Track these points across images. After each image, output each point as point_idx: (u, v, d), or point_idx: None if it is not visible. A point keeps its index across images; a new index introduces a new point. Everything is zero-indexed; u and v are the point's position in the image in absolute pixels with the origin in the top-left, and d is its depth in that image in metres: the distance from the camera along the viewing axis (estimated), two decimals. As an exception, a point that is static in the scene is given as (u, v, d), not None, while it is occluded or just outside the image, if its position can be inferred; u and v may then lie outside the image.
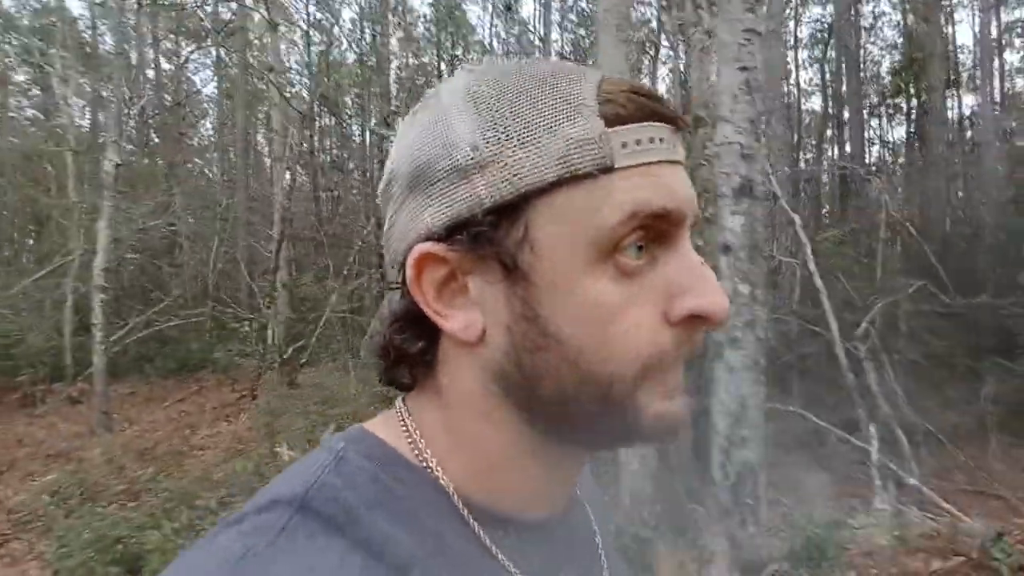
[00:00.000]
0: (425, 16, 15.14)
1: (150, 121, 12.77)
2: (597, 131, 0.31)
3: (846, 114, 11.07)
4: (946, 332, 5.61)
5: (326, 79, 12.00)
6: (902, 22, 13.06)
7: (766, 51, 7.72)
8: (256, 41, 12.48)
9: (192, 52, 14.58)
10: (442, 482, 0.34)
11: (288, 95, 11.62)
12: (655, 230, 0.32)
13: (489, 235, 0.31)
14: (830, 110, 13.48)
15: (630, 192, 0.31)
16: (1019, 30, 12.82)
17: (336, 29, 10.08)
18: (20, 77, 12.75)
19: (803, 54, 14.98)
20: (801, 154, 15.13)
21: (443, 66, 15.72)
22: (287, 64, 14.56)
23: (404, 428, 0.36)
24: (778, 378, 5.13)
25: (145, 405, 7.50)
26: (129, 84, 10.05)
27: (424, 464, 0.35)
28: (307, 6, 12.15)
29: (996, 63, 12.52)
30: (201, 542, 0.30)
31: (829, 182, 12.01)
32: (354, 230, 9.66)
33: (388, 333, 0.36)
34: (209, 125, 16.23)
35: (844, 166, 9.18)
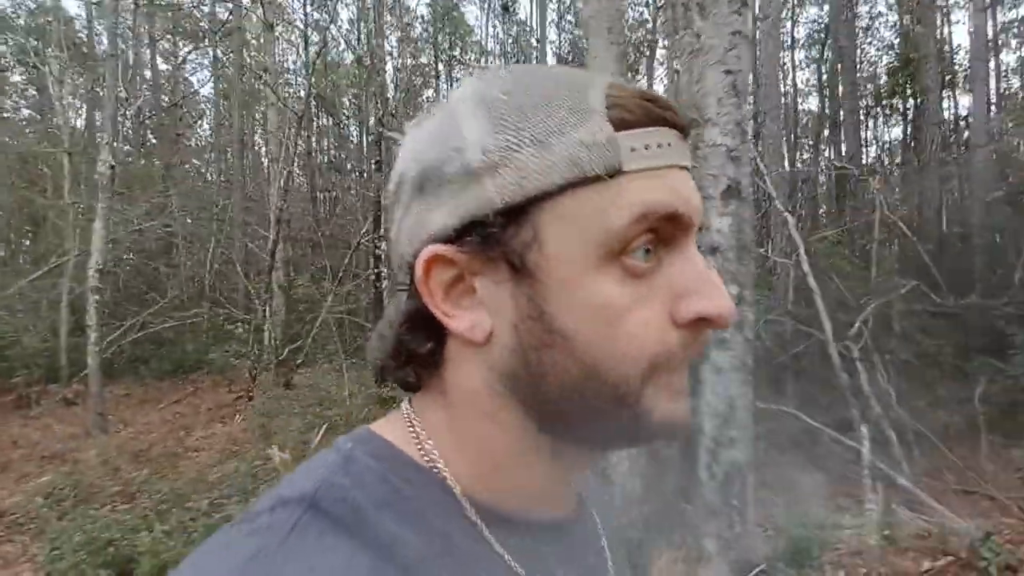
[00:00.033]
0: (423, 17, 15.16)
1: (147, 122, 12.76)
2: (606, 135, 0.31)
3: (842, 114, 11.11)
4: (939, 332, 5.63)
5: (323, 79, 12.00)
6: (898, 23, 13.12)
7: (765, 51, 7.72)
8: (254, 41, 12.48)
9: (189, 52, 14.58)
10: (448, 482, 0.35)
11: (286, 95, 11.63)
12: (663, 233, 0.32)
13: (498, 236, 0.32)
14: (827, 110, 13.52)
15: (639, 195, 0.31)
16: (1015, 30, 12.87)
17: (333, 29, 10.09)
18: (16, 77, 12.74)
19: (800, 54, 15.05)
20: (798, 154, 15.18)
21: (441, 66, 15.73)
22: (285, 65, 14.59)
23: (411, 429, 0.37)
24: (773, 378, 5.16)
25: (140, 406, 7.49)
26: (125, 84, 10.03)
27: (431, 464, 0.35)
28: (305, 6, 12.16)
29: (992, 63, 12.58)
30: (213, 541, 0.31)
31: (826, 182, 12.04)
32: (351, 231, 9.65)
33: (397, 334, 0.36)
34: (206, 126, 16.23)
35: (840, 166, 9.21)
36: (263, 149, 14.25)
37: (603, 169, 0.31)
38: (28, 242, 12.45)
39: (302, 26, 12.38)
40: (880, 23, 13.61)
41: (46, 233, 10.48)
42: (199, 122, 15.73)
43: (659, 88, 13.04)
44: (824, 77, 13.79)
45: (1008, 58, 13.73)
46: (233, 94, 12.10)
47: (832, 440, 3.85)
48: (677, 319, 0.32)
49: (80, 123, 13.05)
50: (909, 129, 13.11)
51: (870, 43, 13.73)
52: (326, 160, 14.98)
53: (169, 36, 14.27)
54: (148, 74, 14.46)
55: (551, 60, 13.93)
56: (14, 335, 7.85)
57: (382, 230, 6.54)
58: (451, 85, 16.31)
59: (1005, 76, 13.26)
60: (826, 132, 13.68)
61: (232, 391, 7.48)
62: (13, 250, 12.33)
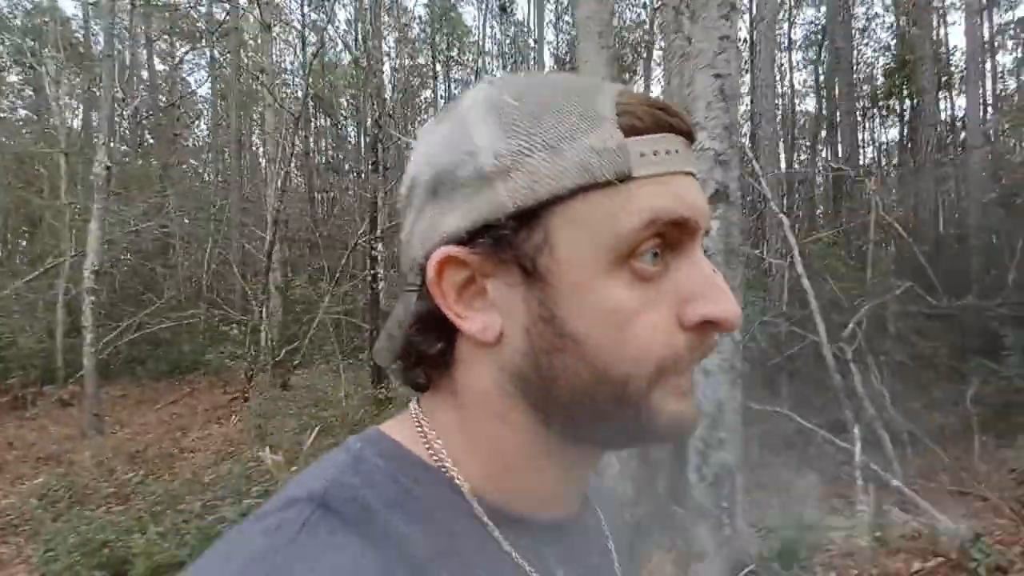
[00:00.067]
0: (420, 17, 15.15)
1: (144, 122, 12.74)
2: (616, 141, 0.32)
3: (839, 116, 11.14)
4: (934, 333, 5.64)
5: (321, 80, 12.00)
6: (895, 24, 13.15)
7: (761, 53, 7.73)
8: (251, 42, 12.47)
9: (186, 53, 14.56)
10: (457, 482, 0.35)
11: (283, 96, 11.62)
12: (670, 238, 0.33)
13: (510, 239, 0.32)
14: (824, 112, 13.55)
15: (648, 200, 0.32)
16: (1011, 32, 12.91)
17: (331, 30, 10.09)
18: (13, 78, 12.72)
19: (797, 56, 15.08)
20: (795, 155, 15.21)
21: (438, 67, 15.73)
22: (283, 65, 14.58)
23: (419, 429, 0.37)
24: (767, 380, 5.17)
25: (136, 407, 7.48)
26: (122, 85, 10.03)
27: (439, 464, 0.36)
28: (302, 7, 12.15)
29: (988, 65, 12.62)
30: (225, 539, 0.31)
31: (823, 183, 12.06)
32: (349, 231, 9.66)
33: (407, 335, 0.37)
34: (204, 126, 16.22)
35: (836, 168, 9.23)
36: (260, 150, 14.24)
37: (614, 174, 0.31)
38: (24, 243, 12.43)
39: (299, 27, 12.37)
40: (877, 24, 13.65)
41: (42, 234, 10.46)
42: (196, 122, 15.73)
43: (656, 89, 13.05)
44: (821, 78, 13.82)
45: (1004, 59, 13.77)
46: (230, 95, 12.09)
47: (825, 441, 3.87)
48: (684, 322, 0.33)
49: (77, 123, 13.04)
50: (906, 130, 13.15)
51: (867, 44, 13.78)
52: (324, 161, 14.98)
53: (166, 36, 14.25)
54: (145, 74, 14.46)
55: (548, 61, 13.93)
56: (10, 336, 7.84)
57: (378, 231, 6.54)
58: (449, 86, 16.31)
59: (1001, 77, 13.31)
60: (823, 133, 13.72)
61: (228, 392, 7.48)
62: (9, 251, 12.31)
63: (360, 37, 7.61)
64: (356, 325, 8.23)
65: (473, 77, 15.29)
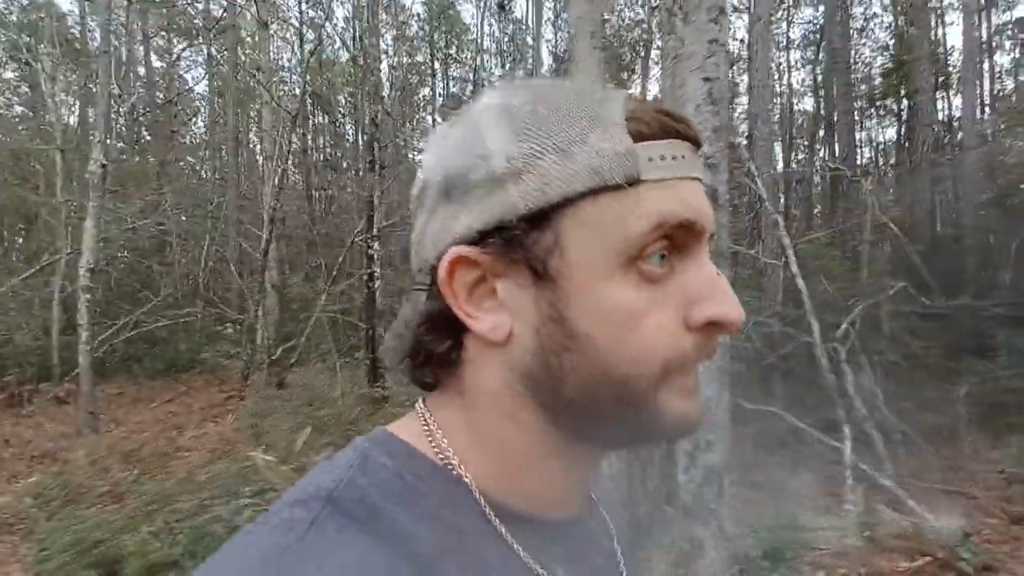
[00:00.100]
0: (419, 15, 15.12)
1: (141, 119, 12.70)
2: (626, 145, 0.33)
3: (836, 116, 11.14)
4: (927, 333, 5.67)
5: (319, 77, 11.97)
6: (893, 24, 13.15)
7: (758, 53, 7.71)
8: (248, 39, 12.43)
9: (184, 49, 14.52)
10: (464, 480, 0.36)
11: (280, 93, 11.58)
12: (677, 241, 0.33)
13: (521, 240, 0.33)
14: (822, 111, 13.56)
15: (656, 203, 0.32)
16: (1009, 32, 12.92)
17: (328, 27, 10.07)
18: (9, 74, 12.68)
19: (796, 55, 15.08)
20: (793, 155, 15.23)
21: (436, 65, 15.70)
22: (280, 63, 14.53)
23: (426, 429, 0.38)
24: (761, 379, 5.18)
25: (133, 405, 7.47)
26: (119, 81, 9.99)
27: (445, 462, 0.36)
28: (300, 3, 12.11)
29: (987, 65, 12.63)
30: (236, 538, 0.32)
31: (821, 183, 12.08)
32: (346, 229, 9.65)
33: (416, 334, 0.37)
34: (201, 123, 16.17)
35: (833, 167, 9.24)
36: (258, 147, 14.21)
37: (623, 178, 0.32)
38: (20, 240, 12.40)
39: (297, 24, 12.34)
40: (875, 24, 13.65)
41: (38, 231, 10.43)
42: (194, 120, 15.69)
43: (653, 88, 13.04)
44: (819, 78, 13.82)
45: (1003, 59, 13.78)
46: (228, 92, 12.06)
47: (817, 441, 3.88)
48: (690, 323, 0.33)
49: (73, 120, 13.00)
50: (903, 130, 13.16)
51: (865, 44, 13.78)
52: (322, 158, 14.96)
53: (163, 33, 14.20)
54: (142, 71, 14.40)
55: (547, 59, 13.91)
56: (6, 333, 7.83)
57: (375, 230, 6.54)
58: (447, 84, 16.28)
59: (999, 78, 13.33)
60: (821, 133, 13.73)
61: (224, 390, 7.48)
62: (6, 248, 12.27)
63: (358, 35, 7.59)
64: (353, 324, 8.23)
65: (471, 75, 15.26)
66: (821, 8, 12.91)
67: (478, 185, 0.34)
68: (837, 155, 11.02)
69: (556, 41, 15.26)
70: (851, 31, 12.35)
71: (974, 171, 7.88)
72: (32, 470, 5.27)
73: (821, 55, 13.19)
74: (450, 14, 15.04)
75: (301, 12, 12.12)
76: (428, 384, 0.39)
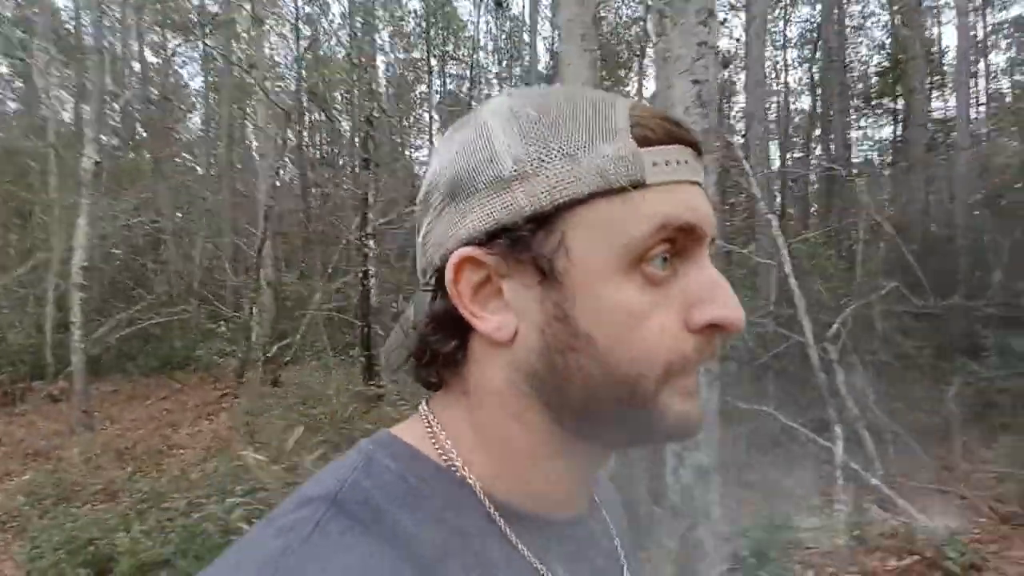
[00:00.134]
0: (415, 11, 15.04)
1: (136, 115, 12.63)
2: (631, 150, 0.33)
3: (832, 114, 11.15)
4: (919, 333, 5.70)
5: (315, 74, 11.91)
6: (890, 22, 13.15)
7: (753, 52, 7.70)
8: (244, 35, 12.35)
9: (179, 45, 14.42)
10: (469, 481, 0.36)
11: (278, 89, 11.52)
12: (679, 244, 0.34)
13: (528, 241, 0.34)
14: (818, 110, 13.56)
15: (659, 207, 0.33)
16: (1005, 31, 12.94)
17: (324, 23, 10.02)
18: (2, 69, 12.57)
19: (793, 53, 15.07)
20: (790, 153, 15.24)
21: (433, 61, 15.64)
22: (276, 59, 14.46)
23: (429, 431, 0.38)
24: (754, 379, 5.21)
25: (127, 403, 7.46)
26: (113, 77, 9.93)
27: (448, 463, 0.36)
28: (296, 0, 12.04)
29: (982, 64, 12.66)
30: (241, 540, 0.32)
31: (817, 181, 12.10)
32: (342, 227, 9.64)
33: (421, 334, 0.38)
34: (198, 119, 16.08)
35: (827, 166, 9.26)
36: (254, 144, 14.14)
37: (628, 181, 0.33)
38: (15, 237, 12.33)
39: (292, 20, 12.27)
40: (872, 23, 13.65)
41: (32, 228, 10.38)
42: (189, 115, 15.60)
43: (651, 86, 13.03)
44: (816, 76, 13.82)
45: (998, 58, 13.80)
46: (222, 88, 12.00)
47: (808, 441, 3.91)
48: (691, 325, 0.34)
49: (68, 116, 12.91)
50: (899, 129, 13.19)
51: (862, 42, 13.78)
52: (318, 155, 14.91)
53: (158, 28, 14.11)
54: (137, 66, 14.31)
55: (543, 56, 13.88)
56: (-1, 331, 7.80)
57: (369, 228, 6.53)
58: (444, 81, 16.23)
59: (995, 77, 13.35)
60: (817, 131, 13.74)
61: (219, 388, 7.47)
62: (1, 244, 12.21)
63: (353, 32, 7.56)
64: (348, 321, 8.23)
65: (468, 72, 15.20)
66: (818, 7, 12.91)
67: (485, 187, 0.34)
68: (832, 154, 11.04)
69: (553, 38, 15.23)
70: (848, 29, 12.37)
71: (967, 171, 7.91)
72: (25, 468, 5.26)
73: (818, 53, 13.19)
74: (447, 11, 14.98)
75: (297, 8, 12.06)
76: (433, 384, 0.39)
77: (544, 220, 0.33)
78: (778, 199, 12.42)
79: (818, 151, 13.57)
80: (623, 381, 0.33)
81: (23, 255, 10.17)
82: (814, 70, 13.69)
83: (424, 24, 14.94)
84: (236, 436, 5.18)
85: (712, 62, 1.92)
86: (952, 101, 12.48)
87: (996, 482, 4.04)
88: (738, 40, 12.02)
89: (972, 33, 10.82)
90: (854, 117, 13.49)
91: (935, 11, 12.46)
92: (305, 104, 12.07)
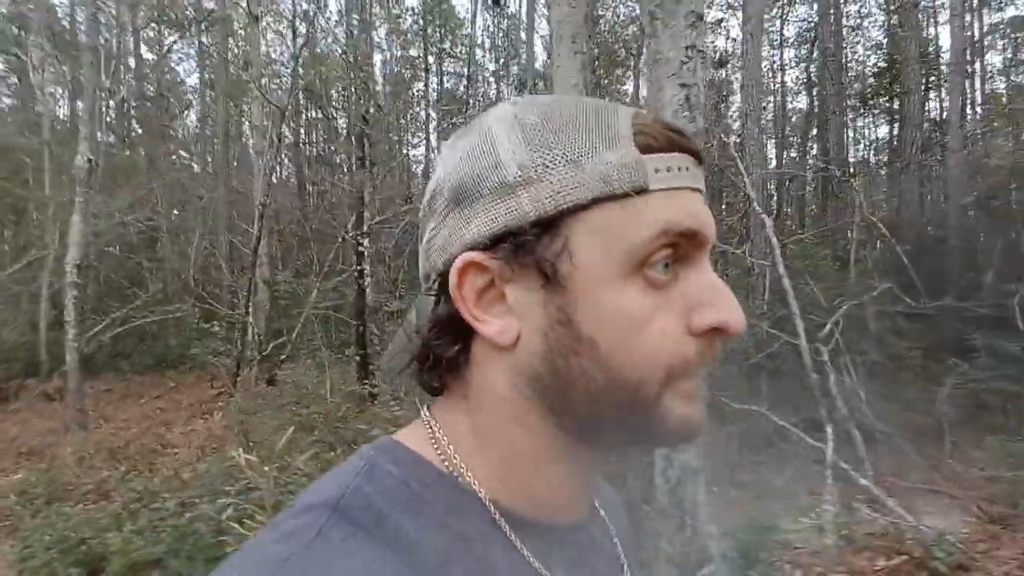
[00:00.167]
0: (413, 9, 15.00)
1: (131, 112, 12.57)
2: (634, 157, 0.34)
3: (828, 114, 11.17)
4: (912, 333, 5.72)
5: (311, 71, 11.87)
6: (886, 23, 13.17)
7: (749, 52, 7.70)
8: (240, 32, 12.30)
9: (175, 42, 14.34)
10: (471, 486, 0.36)
11: (274, 87, 11.48)
12: (681, 249, 0.35)
13: (531, 245, 0.34)
14: (815, 109, 13.58)
15: (661, 212, 0.34)
16: (1002, 31, 12.96)
17: (321, 20, 9.97)
18: (-2, 65, 12.49)
19: (789, 53, 15.09)
20: (786, 153, 15.27)
21: (430, 59, 15.61)
22: (273, 56, 14.40)
23: (431, 436, 0.38)
24: (747, 378, 5.22)
25: (122, 401, 7.44)
26: (108, 74, 9.88)
27: (451, 469, 0.37)
28: (292, -3, 11.97)
29: (978, 65, 12.68)
30: (246, 545, 0.33)
31: (813, 181, 12.12)
32: (338, 225, 9.62)
33: (424, 338, 0.38)
34: (193, 116, 16.01)
35: (823, 167, 9.28)
36: (250, 142, 14.09)
37: (631, 187, 0.34)
38: (9, 233, 12.27)
39: (289, 16, 12.22)
40: (869, 23, 13.67)
41: (27, 225, 10.33)
42: (185, 113, 15.54)
43: (646, 86, 13.00)
44: (812, 76, 13.84)
45: (995, 59, 13.83)
46: (218, 85, 11.94)
47: (800, 440, 3.92)
48: (692, 329, 0.34)
49: (63, 113, 12.85)
50: (895, 130, 13.22)
51: (859, 42, 13.80)
52: (315, 153, 14.87)
53: (154, 25, 14.03)
54: (132, 63, 14.23)
55: (540, 54, 13.85)
56: (-7, 329, 7.77)
57: (365, 227, 6.52)
58: (441, 79, 16.20)
59: (991, 78, 13.38)
60: (814, 131, 13.76)
61: (214, 387, 7.45)
62: (-5, 242, 12.15)
63: (350, 30, 7.53)
64: (343, 320, 8.22)
65: (465, 70, 15.15)
66: (815, 6, 12.92)
67: (490, 192, 0.35)
68: (829, 154, 11.06)
69: (551, 38, 15.18)
70: (845, 29, 12.37)
71: (959, 173, 7.93)
72: (18, 467, 5.25)
73: (815, 53, 13.20)
74: (444, 8, 14.94)
75: (294, 4, 12.00)
76: (435, 388, 0.39)
77: (548, 225, 0.34)
78: (774, 199, 12.45)
79: (814, 151, 13.60)
80: (625, 385, 0.34)
81: (17, 252, 10.13)
82: (811, 70, 13.71)
83: (421, 22, 14.92)
84: (230, 435, 5.18)
85: (700, 66, 1.92)
86: (947, 102, 12.51)
87: (986, 482, 4.07)
88: (735, 40, 12.02)
89: (968, 34, 10.84)
90: (851, 117, 13.53)
91: (932, 12, 12.49)
92: (302, 102, 12.04)
